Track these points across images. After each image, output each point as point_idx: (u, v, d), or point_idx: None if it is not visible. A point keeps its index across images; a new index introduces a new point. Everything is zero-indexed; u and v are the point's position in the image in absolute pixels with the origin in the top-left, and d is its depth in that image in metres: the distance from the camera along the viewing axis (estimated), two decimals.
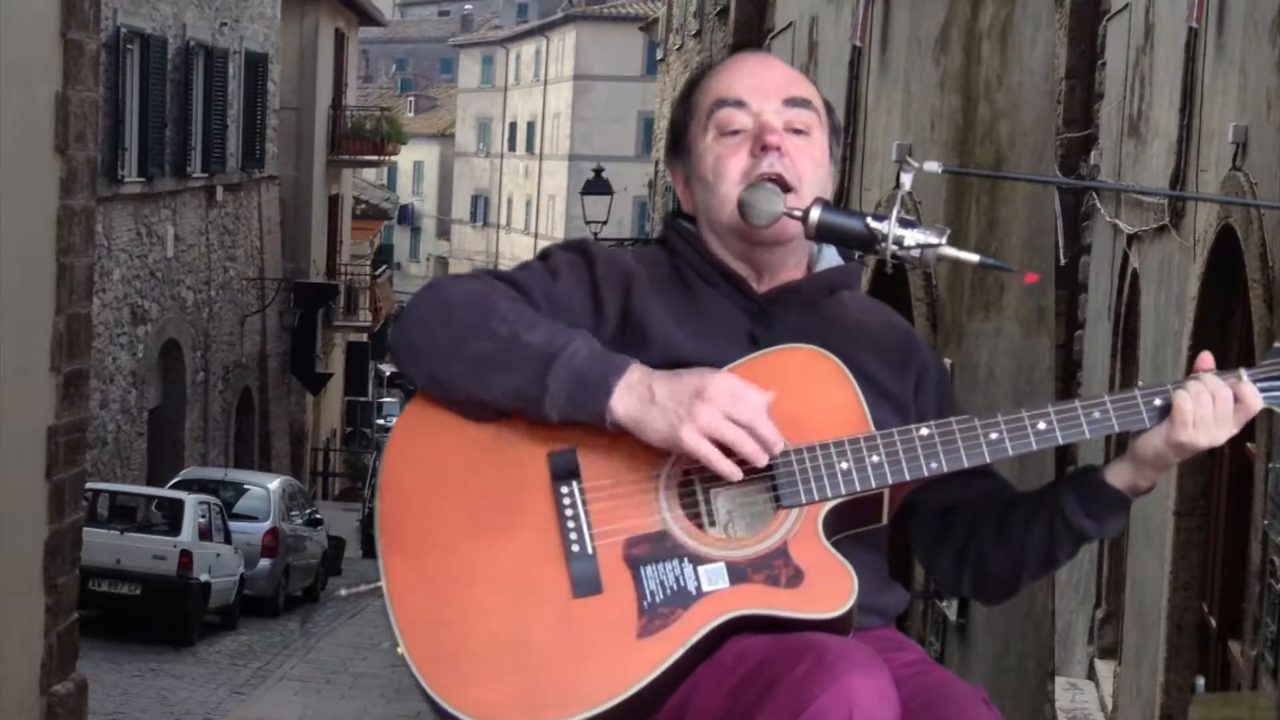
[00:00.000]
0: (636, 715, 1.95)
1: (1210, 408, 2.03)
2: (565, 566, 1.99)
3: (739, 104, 2.18)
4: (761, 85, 2.20)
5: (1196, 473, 7.72)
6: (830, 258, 2.29)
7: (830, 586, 1.97)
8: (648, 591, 1.97)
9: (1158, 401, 2.05)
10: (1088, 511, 2.11)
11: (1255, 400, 2.04)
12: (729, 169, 2.16)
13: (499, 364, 2.02)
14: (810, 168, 2.18)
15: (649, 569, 1.99)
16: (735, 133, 2.18)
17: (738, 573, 1.98)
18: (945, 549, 2.22)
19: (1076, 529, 2.12)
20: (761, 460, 1.98)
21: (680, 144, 2.25)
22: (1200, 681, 7.03)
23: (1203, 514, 7.75)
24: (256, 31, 25.60)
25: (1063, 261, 11.22)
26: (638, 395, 1.98)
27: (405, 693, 13.51)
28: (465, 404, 2.07)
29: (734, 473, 1.96)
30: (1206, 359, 2.08)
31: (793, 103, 2.19)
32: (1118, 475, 2.10)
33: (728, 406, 1.96)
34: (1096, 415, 2.06)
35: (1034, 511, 2.14)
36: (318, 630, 18.50)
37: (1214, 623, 7.53)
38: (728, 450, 1.97)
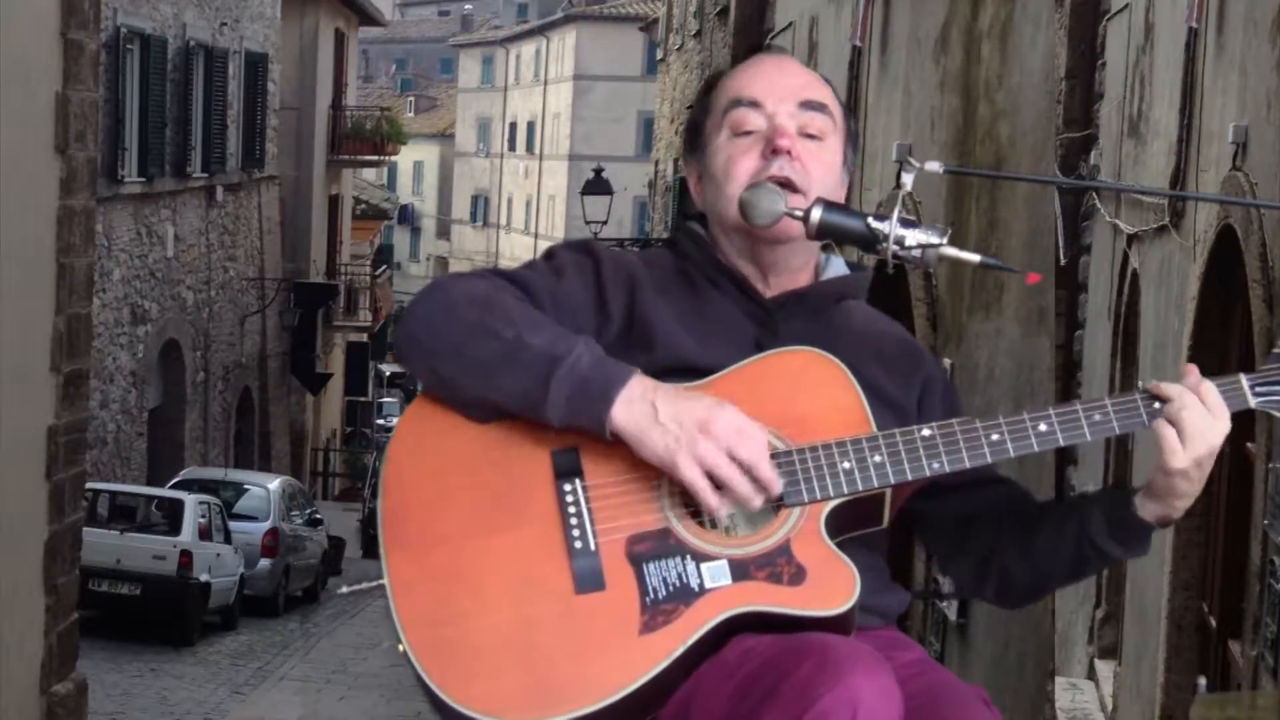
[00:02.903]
0: (639, 712, 1.96)
1: (1198, 417, 2.01)
2: (568, 563, 1.99)
3: (754, 104, 2.19)
4: (778, 87, 2.20)
5: None
6: (838, 267, 2.29)
7: (833, 584, 1.98)
8: (650, 588, 1.98)
9: (1157, 404, 2.05)
10: (1116, 538, 2.12)
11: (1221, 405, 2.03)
12: (738, 170, 2.17)
13: (502, 366, 2.02)
14: (821, 172, 2.18)
15: (651, 566, 1.99)
16: (748, 133, 2.18)
17: (740, 570, 1.99)
18: (967, 558, 2.23)
19: (1105, 552, 2.13)
20: (756, 503, 1.98)
21: (697, 141, 2.26)
22: (1202, 682, 7.03)
23: (1203, 514, 7.73)
24: (256, 31, 25.60)
25: (1063, 261, 11.21)
26: (639, 410, 1.98)
27: (405, 693, 13.52)
28: (468, 403, 2.07)
29: (721, 508, 1.97)
30: (1191, 370, 2.08)
31: (808, 106, 2.20)
32: (1147, 510, 2.10)
33: (730, 443, 1.96)
34: (1097, 417, 2.06)
35: (1061, 531, 2.15)
36: (318, 630, 18.50)
37: (1214, 623, 7.52)
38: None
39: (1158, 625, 8.00)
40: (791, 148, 2.16)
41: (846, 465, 2.04)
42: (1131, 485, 2.15)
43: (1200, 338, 7.27)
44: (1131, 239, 9.52)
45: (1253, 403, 2.07)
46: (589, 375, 1.99)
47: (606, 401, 1.98)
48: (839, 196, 2.20)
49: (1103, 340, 10.59)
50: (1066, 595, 10.75)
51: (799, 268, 2.24)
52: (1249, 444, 6.45)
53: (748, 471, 1.96)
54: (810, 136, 2.19)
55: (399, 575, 2.01)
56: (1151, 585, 8.28)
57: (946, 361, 8.32)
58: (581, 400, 1.99)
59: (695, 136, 2.26)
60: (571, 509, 2.02)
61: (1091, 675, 10.05)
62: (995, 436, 2.06)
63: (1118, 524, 2.11)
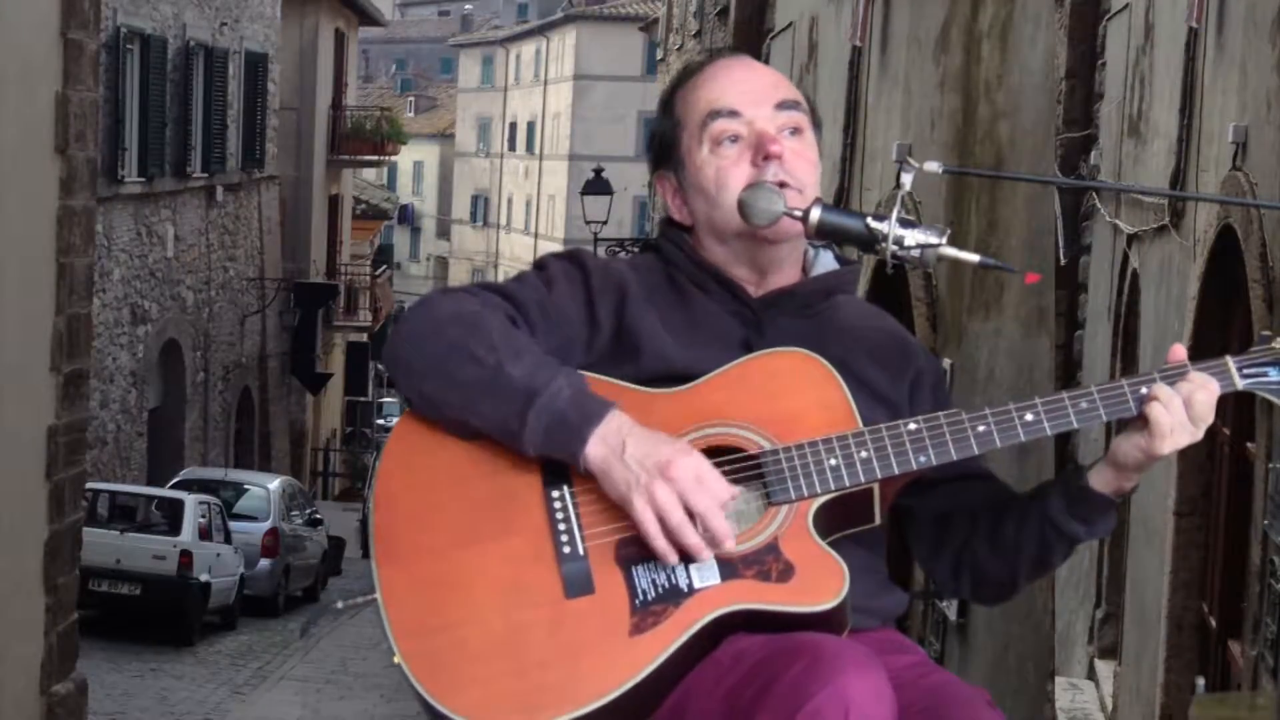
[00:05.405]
0: (632, 714, 1.96)
1: (1184, 412, 2.03)
2: (557, 568, 2.00)
3: (733, 113, 2.19)
4: (752, 92, 2.21)
5: (1196, 473, 7.71)
6: (827, 261, 2.29)
7: (821, 580, 1.98)
8: (639, 590, 1.98)
9: (1144, 390, 2.05)
10: (1075, 516, 2.12)
11: (1215, 388, 2.05)
12: (732, 180, 2.17)
13: (482, 393, 2.03)
14: (809, 170, 2.19)
15: (640, 568, 2.00)
16: (733, 142, 2.19)
17: (729, 569, 1.99)
18: (944, 554, 2.23)
19: (1067, 533, 2.13)
20: (705, 555, 1.97)
21: (670, 156, 2.25)
22: (1200, 682, 7.04)
23: (1203, 514, 7.74)
24: (256, 31, 25.60)
25: (1063, 261, 11.22)
26: (609, 447, 1.99)
27: (405, 693, 13.48)
28: (452, 423, 2.08)
29: (668, 555, 1.97)
30: (1178, 351, 2.09)
31: (784, 105, 2.21)
32: (1101, 480, 2.11)
33: (686, 490, 1.96)
34: (1084, 405, 2.06)
35: (1024, 517, 2.15)
36: (318, 631, 18.50)
37: (1214, 623, 7.52)
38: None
39: (1158, 625, 8.00)
40: (782, 153, 2.16)
41: (833, 462, 2.04)
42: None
43: (1200, 338, 7.27)
44: (1131, 239, 9.52)
45: (1240, 384, 2.07)
46: (566, 410, 2.00)
47: (580, 440, 1.99)
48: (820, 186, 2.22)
49: (1103, 340, 10.59)
50: (1066, 595, 10.75)
51: (791, 267, 2.25)
52: (1249, 444, 6.45)
53: (702, 521, 1.96)
54: (793, 132, 2.20)
55: (390, 587, 2.03)
56: (1151, 585, 8.28)
57: (946, 361, 8.32)
58: (557, 434, 2.00)
59: (668, 151, 2.26)
60: (560, 515, 2.03)
61: (1091, 675, 10.05)
62: (982, 428, 2.06)
63: (1074, 500, 2.11)
